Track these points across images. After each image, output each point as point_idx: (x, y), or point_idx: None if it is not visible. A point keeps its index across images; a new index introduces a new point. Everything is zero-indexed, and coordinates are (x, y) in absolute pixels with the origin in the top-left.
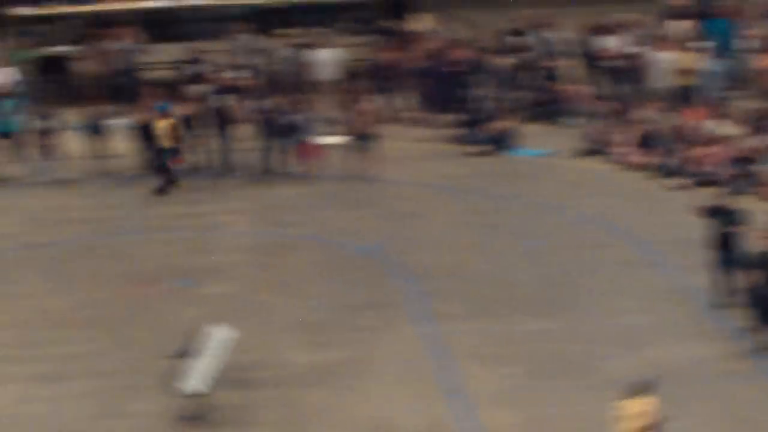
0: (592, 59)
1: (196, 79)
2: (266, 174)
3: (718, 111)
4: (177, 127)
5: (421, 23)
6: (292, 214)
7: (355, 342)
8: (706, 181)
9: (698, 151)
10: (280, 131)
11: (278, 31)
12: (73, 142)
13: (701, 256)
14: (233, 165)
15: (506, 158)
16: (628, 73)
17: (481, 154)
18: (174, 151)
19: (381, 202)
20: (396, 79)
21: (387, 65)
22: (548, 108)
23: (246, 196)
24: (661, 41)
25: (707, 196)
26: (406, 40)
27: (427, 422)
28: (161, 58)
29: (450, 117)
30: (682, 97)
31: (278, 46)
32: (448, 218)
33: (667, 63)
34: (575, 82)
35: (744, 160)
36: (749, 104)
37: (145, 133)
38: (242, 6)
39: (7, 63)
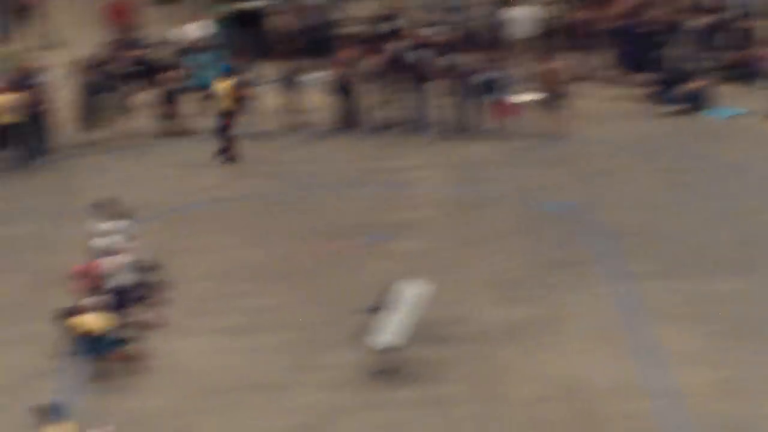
0: None
1: (393, 35)
2: (460, 131)
3: None
4: (238, 89)
5: None
6: (486, 171)
7: (548, 299)
8: None
9: None
10: (476, 88)
11: None
12: (268, 97)
13: None
14: (428, 121)
15: (700, 118)
16: None
17: (677, 113)
18: (231, 114)
19: (574, 160)
20: (592, 38)
21: (583, 24)
22: (743, 69)
23: (440, 152)
24: None
25: None
26: None
27: (619, 380)
28: (357, 13)
29: (645, 76)
30: None
31: (475, 3)
32: (640, 177)
33: None
34: None
35: None
36: None
37: (341, 87)
38: None
39: (204, 17)
